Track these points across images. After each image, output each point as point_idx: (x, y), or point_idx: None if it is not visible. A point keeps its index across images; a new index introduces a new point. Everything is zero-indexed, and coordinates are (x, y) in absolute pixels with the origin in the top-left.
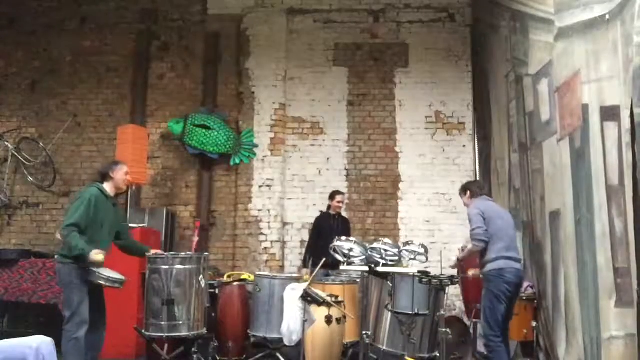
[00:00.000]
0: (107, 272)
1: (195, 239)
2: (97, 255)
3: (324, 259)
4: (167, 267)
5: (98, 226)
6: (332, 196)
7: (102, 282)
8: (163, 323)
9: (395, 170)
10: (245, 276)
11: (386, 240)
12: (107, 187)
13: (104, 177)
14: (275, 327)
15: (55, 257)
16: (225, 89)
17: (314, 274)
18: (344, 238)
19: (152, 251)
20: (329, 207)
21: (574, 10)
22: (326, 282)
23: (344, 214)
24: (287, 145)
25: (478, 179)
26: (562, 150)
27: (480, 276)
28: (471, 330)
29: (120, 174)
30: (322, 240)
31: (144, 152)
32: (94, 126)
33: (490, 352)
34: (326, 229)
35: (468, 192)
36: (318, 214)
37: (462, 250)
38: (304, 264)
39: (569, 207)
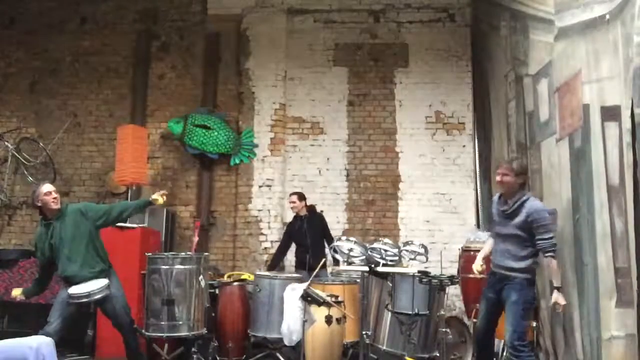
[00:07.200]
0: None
1: (195, 239)
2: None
3: (323, 259)
4: (167, 267)
5: (56, 254)
6: None
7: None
8: (163, 323)
9: (395, 170)
10: (245, 276)
11: (386, 240)
12: (46, 213)
13: (36, 207)
14: (275, 327)
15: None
16: (225, 89)
17: (314, 272)
18: (344, 238)
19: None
20: None
21: (574, 10)
22: (326, 282)
23: (341, 213)
24: (287, 145)
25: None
26: (560, 150)
27: (515, 278)
28: (471, 330)
29: (41, 198)
30: (296, 244)
31: (144, 152)
32: (94, 126)
33: None
34: (294, 233)
35: (522, 179)
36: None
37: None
38: (270, 267)
39: (566, 207)
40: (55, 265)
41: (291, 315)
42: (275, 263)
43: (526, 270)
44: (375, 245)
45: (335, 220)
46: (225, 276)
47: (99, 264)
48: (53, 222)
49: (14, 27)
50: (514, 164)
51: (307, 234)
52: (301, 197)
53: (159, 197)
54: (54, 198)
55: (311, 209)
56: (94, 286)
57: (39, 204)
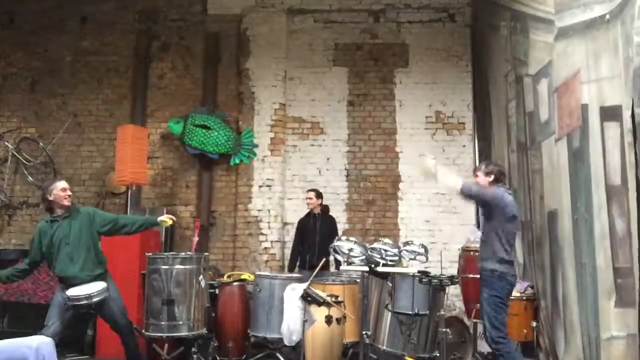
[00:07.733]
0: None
1: (195, 239)
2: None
3: (323, 259)
4: (167, 267)
5: (55, 252)
6: None
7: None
8: (163, 323)
9: (395, 170)
10: (245, 276)
11: (386, 240)
12: (54, 209)
13: (46, 201)
14: (275, 327)
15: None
16: (225, 89)
17: (314, 272)
18: (344, 238)
19: None
20: None
21: (574, 10)
22: (326, 282)
23: (341, 213)
24: (287, 145)
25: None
26: (559, 150)
27: (481, 274)
28: (471, 330)
29: (56, 193)
30: (304, 241)
31: (144, 152)
32: (94, 126)
33: (502, 355)
34: (306, 229)
35: (492, 177)
36: None
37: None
38: (290, 268)
39: (566, 207)
40: (52, 265)
41: (291, 315)
42: (295, 261)
43: (489, 265)
44: (375, 245)
45: (336, 220)
46: (225, 276)
47: (97, 268)
48: (60, 219)
49: (14, 27)
50: (484, 166)
51: (318, 233)
52: (318, 194)
53: (167, 220)
54: (68, 195)
55: (325, 209)
56: (94, 289)
57: (51, 198)
